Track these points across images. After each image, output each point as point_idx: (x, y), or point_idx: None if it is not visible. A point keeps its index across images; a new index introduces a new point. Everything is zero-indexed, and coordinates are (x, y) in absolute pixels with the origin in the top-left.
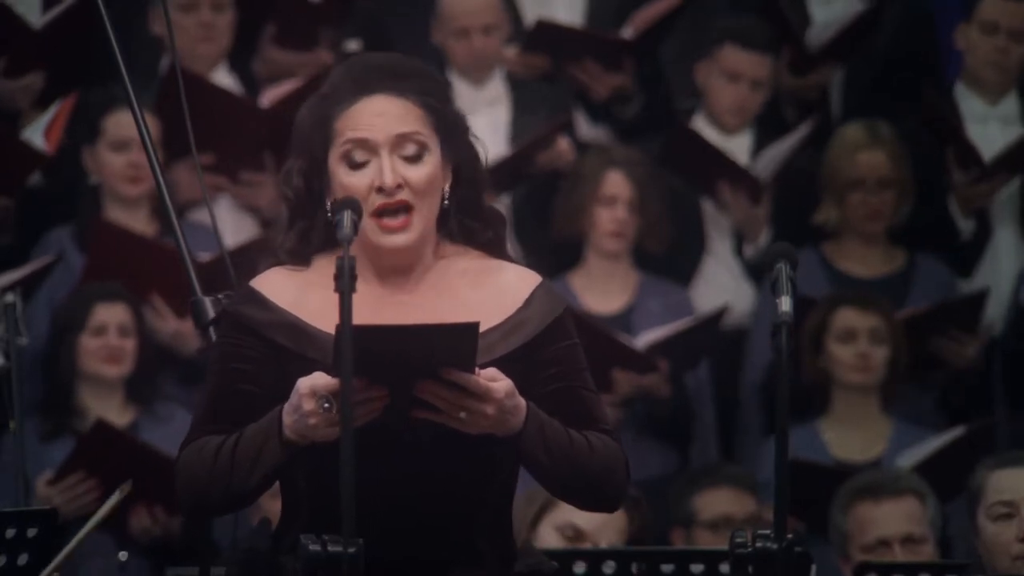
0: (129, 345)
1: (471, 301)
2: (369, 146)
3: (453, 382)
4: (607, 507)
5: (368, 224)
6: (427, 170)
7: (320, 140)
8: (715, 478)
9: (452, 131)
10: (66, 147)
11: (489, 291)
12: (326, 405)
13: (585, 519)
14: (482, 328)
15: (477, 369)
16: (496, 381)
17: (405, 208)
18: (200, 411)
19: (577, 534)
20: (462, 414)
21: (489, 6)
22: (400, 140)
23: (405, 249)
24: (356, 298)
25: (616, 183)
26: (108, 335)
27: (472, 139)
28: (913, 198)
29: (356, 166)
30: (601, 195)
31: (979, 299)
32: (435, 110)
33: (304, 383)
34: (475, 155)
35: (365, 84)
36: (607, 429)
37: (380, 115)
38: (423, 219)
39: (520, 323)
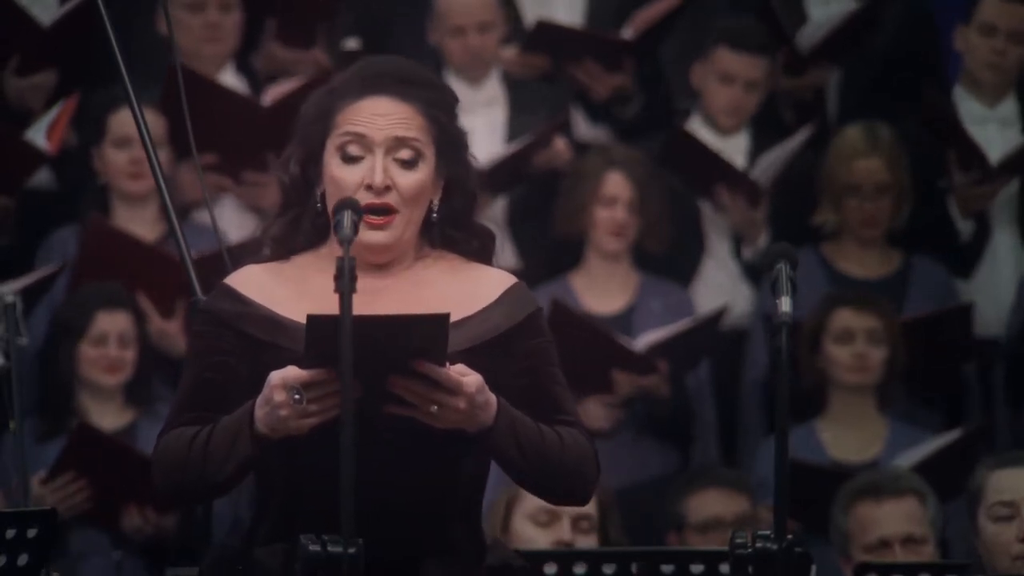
0: (129, 354)
1: (446, 293)
2: (365, 142)
3: (425, 375)
4: (578, 500)
5: None
6: (418, 177)
7: (319, 130)
8: (701, 481)
9: (451, 146)
10: (70, 147)
11: (464, 286)
12: (296, 396)
13: None
14: (453, 319)
15: (448, 364)
16: (466, 376)
17: (389, 210)
18: (177, 401)
19: (551, 517)
20: (433, 408)
21: (485, 4)
22: (397, 143)
23: (383, 247)
24: (324, 290)
25: (616, 183)
26: (108, 346)
27: (470, 158)
28: (911, 203)
29: (349, 160)
30: (601, 195)
31: (966, 310)
32: (438, 122)
33: (275, 375)
34: (470, 173)
35: (374, 84)
36: (575, 422)
37: (383, 115)
38: (406, 223)
39: (490, 317)
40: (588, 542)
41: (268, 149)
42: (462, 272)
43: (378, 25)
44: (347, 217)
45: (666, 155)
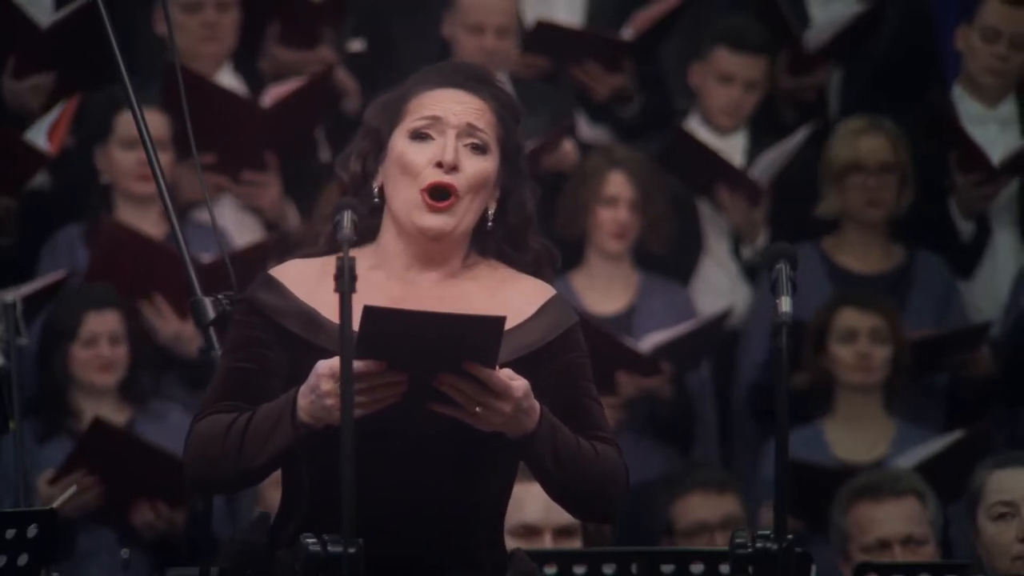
0: (120, 352)
1: (483, 308)
2: (439, 125)
3: (473, 376)
4: (603, 516)
5: (413, 200)
6: (484, 166)
7: (388, 119)
8: (685, 485)
9: (512, 153)
10: (73, 147)
11: (502, 299)
12: None
13: (531, 513)
14: None
15: (497, 367)
16: (514, 380)
17: (451, 193)
18: (212, 389)
19: (529, 530)
20: (478, 409)
21: (506, 9)
22: (469, 129)
23: (440, 231)
24: (368, 293)
25: (618, 183)
26: (99, 346)
27: (527, 173)
28: (915, 188)
29: (420, 138)
30: (603, 195)
31: (982, 330)
32: (505, 124)
33: (323, 364)
34: (525, 187)
35: (449, 77)
36: (610, 439)
37: (457, 103)
38: (465, 211)
39: (528, 332)
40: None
41: (266, 149)
42: (502, 283)
43: (383, 24)
44: (346, 217)
45: (666, 155)
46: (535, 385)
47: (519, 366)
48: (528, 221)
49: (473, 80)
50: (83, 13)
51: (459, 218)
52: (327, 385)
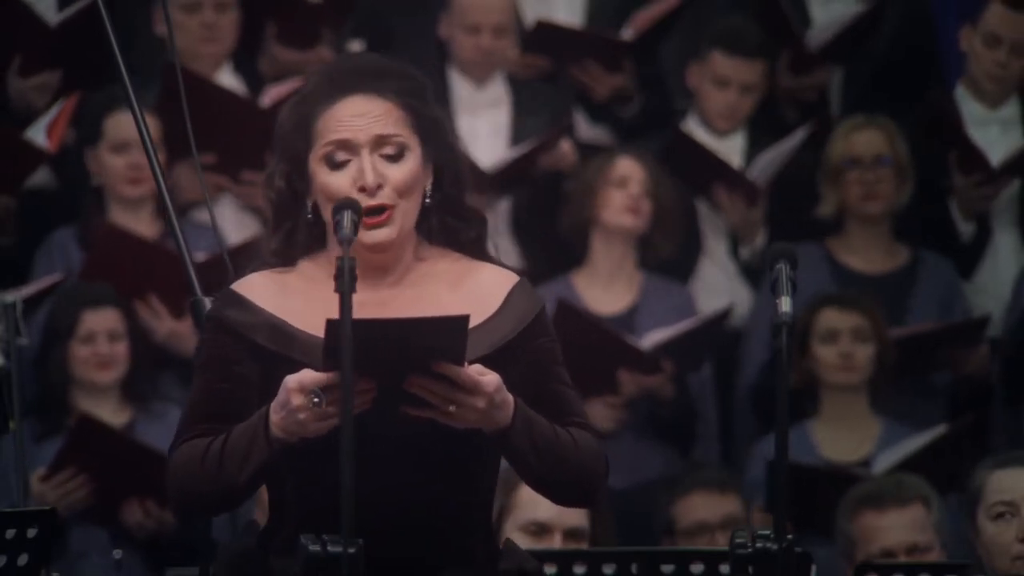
0: (120, 350)
1: (449, 305)
2: (350, 146)
3: (443, 375)
4: (586, 502)
5: None
6: (408, 168)
7: (301, 142)
8: (686, 485)
9: (432, 131)
10: (71, 146)
11: (466, 293)
12: (315, 400)
13: (544, 512)
14: None
15: (465, 364)
16: (484, 375)
17: (385, 208)
18: (188, 412)
19: (541, 528)
20: (451, 407)
21: (504, 8)
22: (380, 140)
23: (385, 244)
24: (333, 301)
25: (627, 166)
26: (97, 343)
27: (453, 139)
28: (914, 183)
29: (337, 166)
30: (613, 177)
31: (982, 323)
32: (415, 110)
33: (291, 379)
34: (456, 154)
35: (344, 84)
36: (585, 423)
37: (360, 115)
38: (403, 216)
39: (497, 326)
40: None
41: (266, 148)
42: (463, 277)
43: (382, 24)
44: (347, 217)
45: (665, 155)
46: (508, 377)
47: (492, 361)
48: (463, 183)
49: (369, 78)
50: (88, 12)
51: (399, 225)
52: (298, 400)
